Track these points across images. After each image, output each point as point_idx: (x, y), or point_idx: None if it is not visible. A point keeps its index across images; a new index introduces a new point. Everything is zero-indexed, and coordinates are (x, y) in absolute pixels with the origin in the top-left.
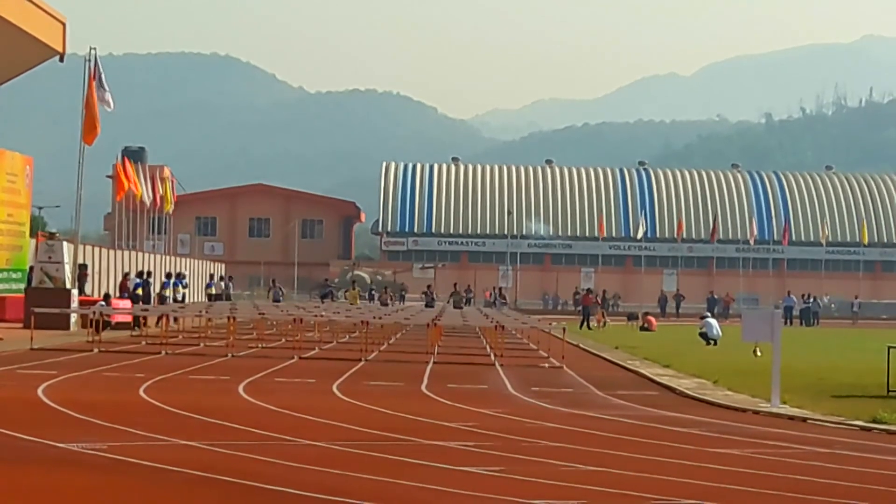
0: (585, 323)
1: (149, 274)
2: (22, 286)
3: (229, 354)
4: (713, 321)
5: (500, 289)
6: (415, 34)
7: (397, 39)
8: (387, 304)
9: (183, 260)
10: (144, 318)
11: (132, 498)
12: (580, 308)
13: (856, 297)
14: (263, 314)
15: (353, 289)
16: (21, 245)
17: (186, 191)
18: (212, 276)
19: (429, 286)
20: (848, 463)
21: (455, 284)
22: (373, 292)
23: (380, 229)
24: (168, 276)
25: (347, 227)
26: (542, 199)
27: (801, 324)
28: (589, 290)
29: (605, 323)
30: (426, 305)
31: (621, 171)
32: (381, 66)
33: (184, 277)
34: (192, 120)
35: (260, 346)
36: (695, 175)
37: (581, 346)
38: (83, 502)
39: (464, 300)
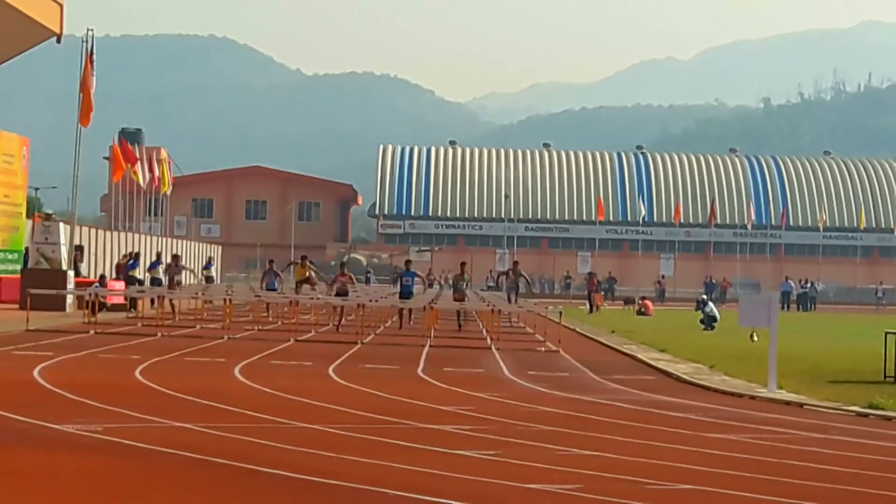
0: (593, 307)
1: (137, 256)
2: (18, 267)
3: (225, 337)
4: (712, 304)
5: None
6: (412, 17)
7: (395, 22)
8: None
9: (179, 242)
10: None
11: (127, 480)
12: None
13: (881, 283)
14: (259, 297)
15: (303, 266)
16: (17, 226)
17: (183, 172)
18: (210, 259)
19: (407, 262)
20: (844, 449)
21: (462, 264)
22: (369, 275)
23: (377, 212)
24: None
25: (344, 210)
26: (540, 183)
27: (799, 309)
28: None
29: (598, 307)
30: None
31: (619, 155)
32: (379, 48)
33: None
34: (189, 102)
35: (256, 328)
36: (693, 160)
37: (577, 330)
38: (78, 484)
39: (465, 284)
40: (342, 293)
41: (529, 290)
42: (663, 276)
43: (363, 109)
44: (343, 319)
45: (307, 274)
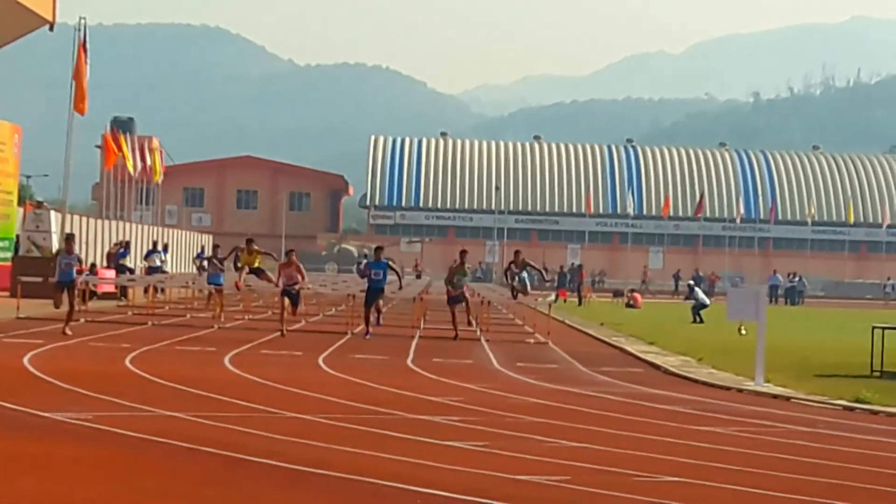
0: (580, 299)
1: (127, 245)
2: (9, 255)
3: (215, 326)
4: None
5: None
6: (405, 8)
7: (387, 13)
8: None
9: (170, 231)
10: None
11: (117, 468)
12: (577, 285)
13: (888, 279)
14: (250, 286)
15: (251, 254)
16: (8, 214)
17: (175, 162)
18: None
19: (378, 248)
20: (830, 442)
21: (462, 253)
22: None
23: (367, 203)
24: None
25: (335, 201)
26: (530, 175)
27: (786, 303)
28: (581, 266)
29: (580, 299)
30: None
31: (609, 148)
32: (371, 39)
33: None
34: (181, 91)
35: (246, 318)
36: (682, 153)
37: (567, 322)
38: (68, 472)
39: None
40: (289, 289)
41: (542, 282)
42: (698, 270)
43: (355, 100)
44: (299, 321)
45: (255, 262)
